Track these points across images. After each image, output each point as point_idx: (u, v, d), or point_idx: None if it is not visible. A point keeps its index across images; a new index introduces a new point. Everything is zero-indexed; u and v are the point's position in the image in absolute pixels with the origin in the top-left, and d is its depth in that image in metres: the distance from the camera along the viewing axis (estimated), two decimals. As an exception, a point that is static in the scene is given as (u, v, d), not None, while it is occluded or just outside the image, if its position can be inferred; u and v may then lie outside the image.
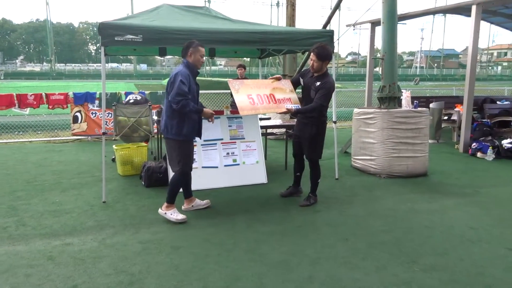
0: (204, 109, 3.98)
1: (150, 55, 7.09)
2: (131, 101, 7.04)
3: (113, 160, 6.71)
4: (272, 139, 8.95)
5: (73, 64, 68.51)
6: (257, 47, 5.59)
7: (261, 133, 5.89)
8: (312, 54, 4.33)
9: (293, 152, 4.77)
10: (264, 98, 4.27)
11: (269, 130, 7.11)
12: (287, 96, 4.43)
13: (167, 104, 3.95)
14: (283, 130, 7.87)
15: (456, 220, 4.21)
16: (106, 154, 5.17)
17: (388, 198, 4.94)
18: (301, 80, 4.55)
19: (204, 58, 4.07)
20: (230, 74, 45.46)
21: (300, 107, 4.46)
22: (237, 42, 4.93)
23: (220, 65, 72.28)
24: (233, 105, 7.96)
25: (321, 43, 4.41)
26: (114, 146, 6.14)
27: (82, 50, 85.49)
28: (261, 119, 6.64)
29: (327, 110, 4.47)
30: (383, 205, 4.67)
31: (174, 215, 4.10)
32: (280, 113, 4.35)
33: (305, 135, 4.45)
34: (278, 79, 4.70)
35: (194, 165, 4.88)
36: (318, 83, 4.27)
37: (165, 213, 4.11)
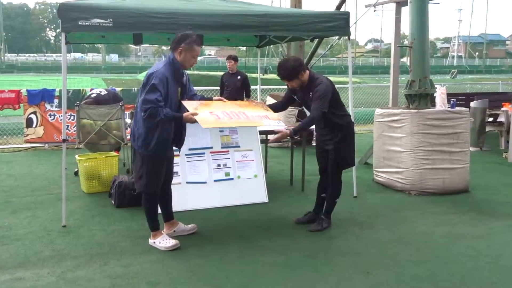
0: (184, 114, 3.89)
1: (123, 43, 7.14)
2: (93, 95, 7.03)
3: (76, 173, 6.70)
4: (274, 147, 8.95)
5: (27, 54, 68.69)
6: (255, 33, 5.61)
7: (260, 140, 5.90)
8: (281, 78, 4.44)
9: (319, 167, 4.75)
10: (232, 114, 4.18)
11: (270, 136, 7.11)
12: (263, 113, 4.37)
13: (138, 108, 3.97)
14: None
15: (506, 247, 4.20)
16: (67, 166, 5.15)
17: (420, 220, 4.93)
18: (295, 96, 4.63)
19: (197, 58, 4.06)
20: (222, 67, 45.61)
21: (282, 123, 4.47)
22: (229, 27, 4.94)
23: (209, 55, 72.59)
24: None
25: (280, 61, 4.52)
26: (77, 156, 6.13)
27: (38, 37, 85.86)
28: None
29: (346, 109, 4.55)
30: (414, 229, 4.66)
31: (162, 242, 4.11)
32: (273, 141, 4.37)
33: (329, 143, 4.49)
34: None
35: (176, 180, 4.88)
36: (311, 94, 4.36)
37: (154, 242, 4.16)
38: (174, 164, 4.47)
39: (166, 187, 4.32)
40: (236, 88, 8.17)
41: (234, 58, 8.36)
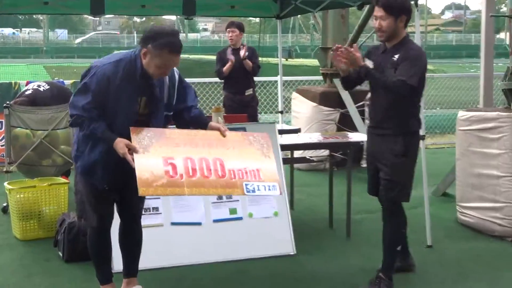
0: (118, 139, 3.82)
1: (75, 13, 7.18)
2: (29, 91, 7.06)
3: (5, 210, 6.74)
4: (303, 169, 8.94)
5: None
6: (275, -4, 5.63)
7: (283, 159, 5.88)
8: (376, 7, 4.49)
9: (368, 187, 4.85)
10: (201, 166, 3.88)
11: (297, 153, 7.08)
12: (254, 165, 4.07)
13: None
14: (325, 152, 7.83)
15: None
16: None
17: (530, 282, 4.91)
18: (369, 61, 4.68)
19: (169, 70, 3.94)
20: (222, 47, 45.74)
21: (277, 187, 4.16)
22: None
23: (205, 30, 73.19)
24: (229, 105, 7.93)
25: None
26: (6, 184, 6.16)
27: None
28: (280, 131, 6.54)
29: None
30: (521, 296, 4.65)
31: None
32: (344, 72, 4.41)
33: (384, 155, 4.53)
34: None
35: (156, 221, 4.88)
36: (396, 56, 4.45)
37: None
38: (153, 197, 4.48)
39: (130, 223, 4.33)
40: (244, 70, 7.97)
41: (239, 26, 8.09)
